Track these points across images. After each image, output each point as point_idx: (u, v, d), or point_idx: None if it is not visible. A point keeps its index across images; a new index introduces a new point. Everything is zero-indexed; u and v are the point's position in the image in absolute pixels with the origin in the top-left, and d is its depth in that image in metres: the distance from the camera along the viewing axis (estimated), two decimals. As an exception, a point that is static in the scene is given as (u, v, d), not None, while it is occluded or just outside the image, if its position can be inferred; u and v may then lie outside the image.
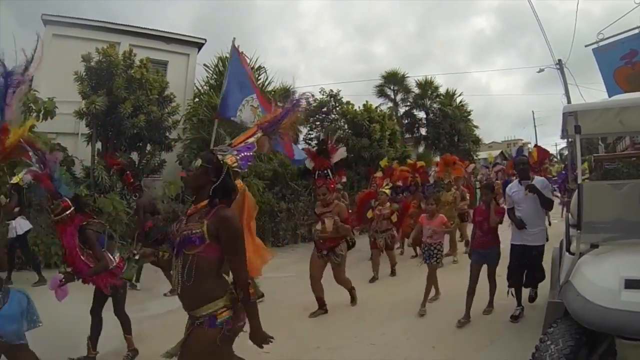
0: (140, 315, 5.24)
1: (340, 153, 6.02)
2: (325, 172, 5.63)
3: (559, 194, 11.68)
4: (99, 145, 10.54)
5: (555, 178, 12.77)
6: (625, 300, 2.34)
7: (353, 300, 5.50)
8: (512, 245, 4.80)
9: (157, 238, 6.53)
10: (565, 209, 9.41)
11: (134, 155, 10.87)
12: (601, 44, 8.23)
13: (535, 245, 4.62)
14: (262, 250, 2.98)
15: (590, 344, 2.52)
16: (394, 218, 7.24)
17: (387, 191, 7.54)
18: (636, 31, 7.92)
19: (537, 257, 4.65)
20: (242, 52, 6.43)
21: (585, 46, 8.52)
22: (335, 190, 5.28)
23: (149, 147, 11.19)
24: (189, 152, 11.71)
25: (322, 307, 5.23)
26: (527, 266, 4.73)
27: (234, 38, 6.05)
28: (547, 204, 4.70)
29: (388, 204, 7.34)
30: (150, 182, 11.86)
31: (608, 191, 3.64)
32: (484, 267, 4.77)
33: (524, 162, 5.03)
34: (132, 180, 6.85)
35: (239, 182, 2.96)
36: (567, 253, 3.36)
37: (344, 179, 11.06)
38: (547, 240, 4.82)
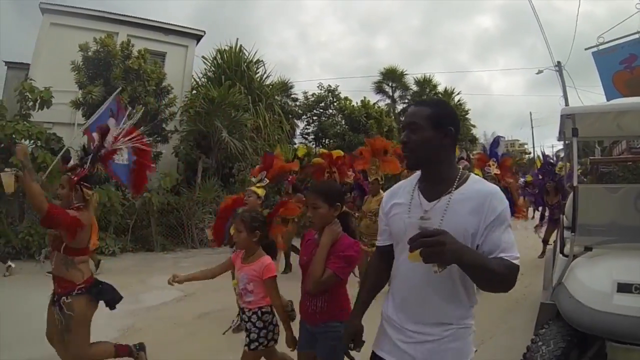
0: (133, 307, 5.24)
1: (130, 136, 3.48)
2: (86, 157, 3.16)
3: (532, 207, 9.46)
4: (95, 135, 10.48)
5: (530, 185, 10.16)
6: (617, 303, 2.35)
7: None
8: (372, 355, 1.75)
9: None
10: (540, 230, 7.84)
11: (130, 147, 10.82)
12: (601, 47, 8.29)
13: None
14: None
15: (581, 346, 2.54)
16: None
17: (259, 191, 4.87)
18: (636, 36, 7.97)
19: None
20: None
21: (585, 49, 8.57)
22: (74, 187, 2.94)
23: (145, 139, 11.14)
24: (186, 145, 11.70)
25: None
26: None
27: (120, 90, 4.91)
28: (488, 279, 1.43)
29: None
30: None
31: (603, 195, 3.66)
32: None
33: (412, 123, 1.58)
34: None
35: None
36: (560, 255, 3.38)
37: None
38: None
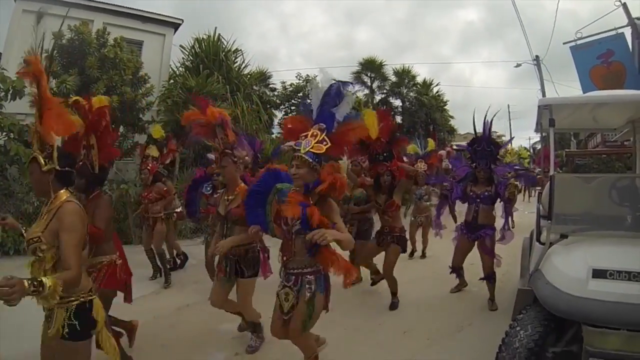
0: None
1: None
2: None
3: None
4: (69, 126, 10.20)
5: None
6: (592, 289, 2.41)
7: None
8: None
9: None
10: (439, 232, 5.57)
11: (107, 137, 10.56)
12: (579, 42, 8.44)
13: None
14: None
15: (558, 330, 2.60)
16: None
17: None
18: (613, 32, 8.15)
19: None
20: None
21: (564, 44, 8.72)
22: None
23: (121, 129, 10.89)
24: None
25: None
26: None
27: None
28: None
29: None
30: (123, 165, 11.60)
31: (579, 184, 3.74)
32: None
33: None
34: None
35: None
36: (537, 243, 3.45)
37: None
38: None
